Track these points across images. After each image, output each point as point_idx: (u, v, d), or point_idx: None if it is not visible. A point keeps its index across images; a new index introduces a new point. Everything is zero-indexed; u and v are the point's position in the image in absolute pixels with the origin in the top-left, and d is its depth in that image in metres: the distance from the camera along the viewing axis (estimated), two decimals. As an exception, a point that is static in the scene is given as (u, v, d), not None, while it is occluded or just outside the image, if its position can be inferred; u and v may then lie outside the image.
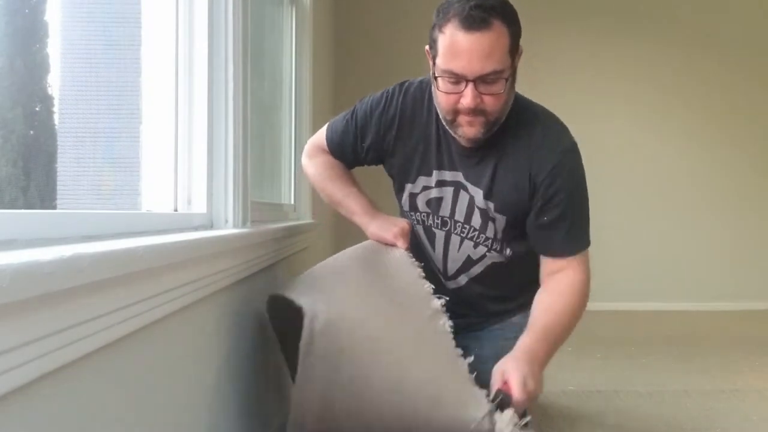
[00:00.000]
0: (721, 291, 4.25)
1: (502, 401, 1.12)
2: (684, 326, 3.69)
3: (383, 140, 1.49)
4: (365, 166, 1.59)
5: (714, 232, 4.30)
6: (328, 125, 1.59)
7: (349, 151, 1.54)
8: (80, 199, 1.22)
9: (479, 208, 1.44)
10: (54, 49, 1.09)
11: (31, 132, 1.03)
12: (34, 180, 1.00)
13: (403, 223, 1.45)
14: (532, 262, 1.46)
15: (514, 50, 1.29)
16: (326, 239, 3.23)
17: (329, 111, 3.72)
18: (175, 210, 1.20)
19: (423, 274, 1.33)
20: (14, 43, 0.97)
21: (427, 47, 1.35)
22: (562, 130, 1.43)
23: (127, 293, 0.71)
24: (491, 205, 1.43)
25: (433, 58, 1.32)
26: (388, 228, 1.43)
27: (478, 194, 1.43)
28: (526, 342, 1.27)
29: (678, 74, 4.30)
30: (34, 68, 1.05)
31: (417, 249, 1.52)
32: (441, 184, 1.47)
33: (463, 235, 1.49)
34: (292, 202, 2.44)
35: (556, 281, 1.40)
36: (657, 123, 4.30)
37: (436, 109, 1.41)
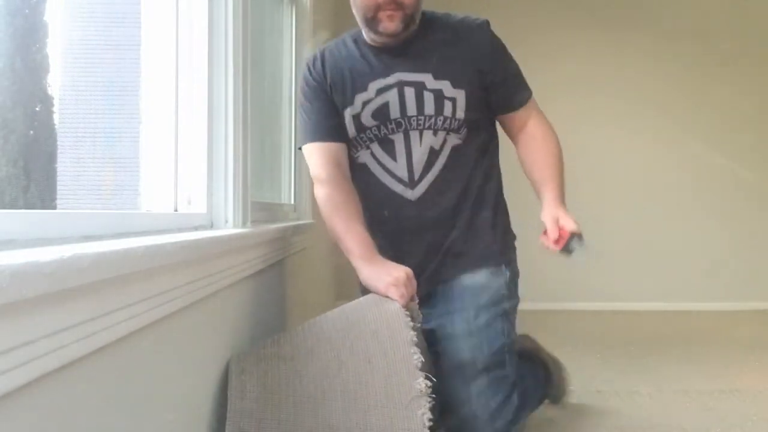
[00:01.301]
0: (721, 291, 4.24)
1: (579, 238, 1.40)
2: (684, 326, 3.69)
3: (329, 91, 1.55)
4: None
5: (714, 233, 4.29)
6: (300, 142, 1.62)
7: (332, 123, 1.54)
8: (80, 199, 1.22)
9: (431, 91, 1.50)
10: (54, 49, 1.09)
11: (31, 132, 1.03)
12: (34, 180, 1.00)
13: (398, 272, 1.33)
14: (482, 140, 1.60)
15: None
16: (326, 239, 3.23)
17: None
18: (175, 210, 1.20)
19: (415, 339, 1.19)
20: (14, 43, 0.97)
21: None
22: (468, 15, 1.58)
23: (127, 293, 0.71)
24: (446, 83, 1.50)
25: None
26: (380, 277, 1.33)
27: (428, 77, 1.50)
28: (550, 194, 1.50)
29: (677, 73, 4.29)
30: (34, 68, 1.05)
31: (374, 174, 1.57)
32: (381, 91, 1.51)
33: (421, 127, 1.52)
34: (292, 202, 2.44)
35: (530, 133, 1.60)
36: (657, 123, 4.29)
37: (354, 37, 1.56)
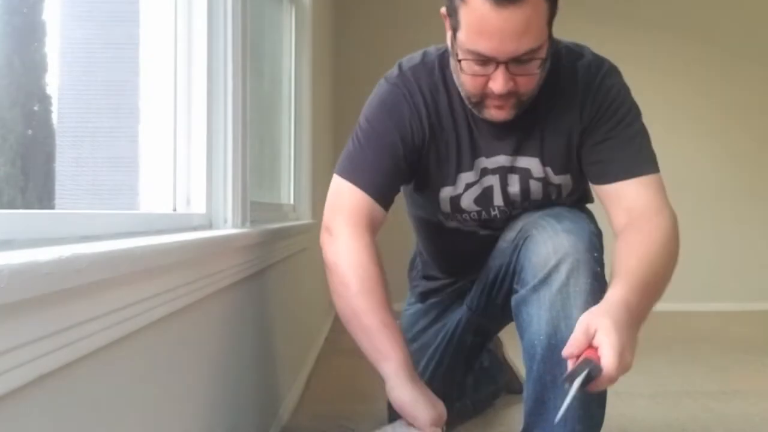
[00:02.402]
0: (721, 291, 4.25)
1: (588, 374, 0.85)
2: (684, 326, 3.69)
3: (413, 145, 1.24)
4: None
5: (714, 233, 4.29)
6: (341, 170, 1.27)
7: (388, 182, 1.24)
8: (79, 199, 1.21)
9: (537, 179, 1.27)
10: (52, 48, 1.08)
11: (30, 131, 1.03)
12: (32, 180, 1.00)
13: (442, 407, 1.11)
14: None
15: (552, 17, 1.08)
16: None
17: (329, 111, 3.72)
18: (174, 210, 1.20)
19: None
20: (12, 42, 0.96)
21: (443, 10, 1.13)
22: (595, 59, 1.24)
23: (126, 293, 0.71)
24: (549, 171, 1.26)
25: (453, 30, 1.10)
26: (424, 408, 1.07)
27: (534, 163, 1.24)
28: (620, 294, 1.00)
29: (678, 75, 4.30)
30: (32, 67, 1.04)
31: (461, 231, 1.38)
32: (484, 173, 1.27)
33: (526, 207, 1.32)
34: (292, 202, 2.44)
35: (641, 224, 1.16)
36: (657, 123, 4.29)
37: (447, 76, 1.22)
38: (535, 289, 1.16)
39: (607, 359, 0.89)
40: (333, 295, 1.22)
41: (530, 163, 1.25)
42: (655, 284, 1.08)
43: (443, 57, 1.26)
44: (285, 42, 2.43)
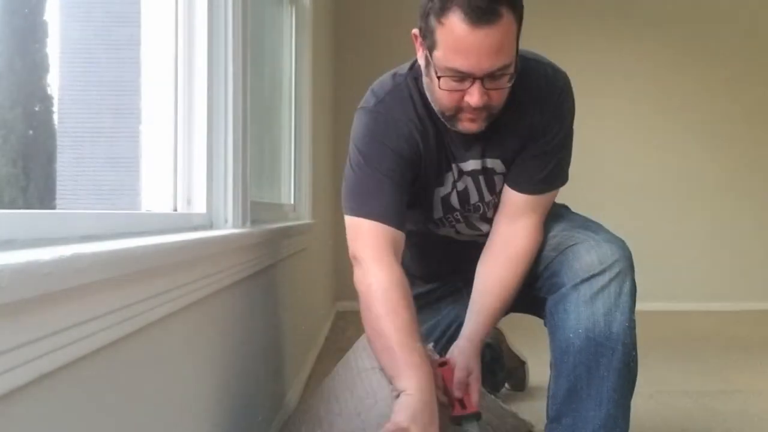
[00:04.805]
0: (721, 291, 4.25)
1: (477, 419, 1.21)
2: (684, 326, 3.69)
3: (410, 160, 1.30)
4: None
5: (714, 232, 4.30)
6: (349, 209, 1.29)
7: (396, 201, 1.28)
8: (79, 199, 1.22)
9: (500, 174, 1.37)
10: (53, 48, 1.08)
11: (31, 132, 1.03)
12: (33, 180, 1.00)
13: None
14: None
15: (519, 34, 1.16)
16: (326, 240, 3.23)
17: (329, 111, 3.72)
18: (175, 210, 1.20)
19: None
20: (13, 42, 0.97)
21: (415, 31, 1.19)
22: (552, 72, 1.32)
23: (127, 293, 0.71)
24: (498, 163, 1.36)
25: (429, 49, 1.16)
26: (418, 429, 1.04)
27: (497, 163, 1.34)
28: (477, 334, 1.32)
29: (677, 74, 4.30)
30: (34, 68, 1.05)
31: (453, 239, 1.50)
32: (461, 175, 1.37)
33: (494, 204, 1.42)
34: (292, 202, 2.44)
35: (508, 240, 1.34)
36: (656, 123, 4.29)
37: (416, 91, 1.29)
38: (576, 288, 1.25)
39: (475, 404, 1.23)
40: (362, 318, 1.24)
41: (494, 164, 1.35)
42: (503, 311, 1.38)
43: (411, 76, 1.33)
44: (285, 42, 2.43)
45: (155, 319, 0.80)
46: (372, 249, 1.25)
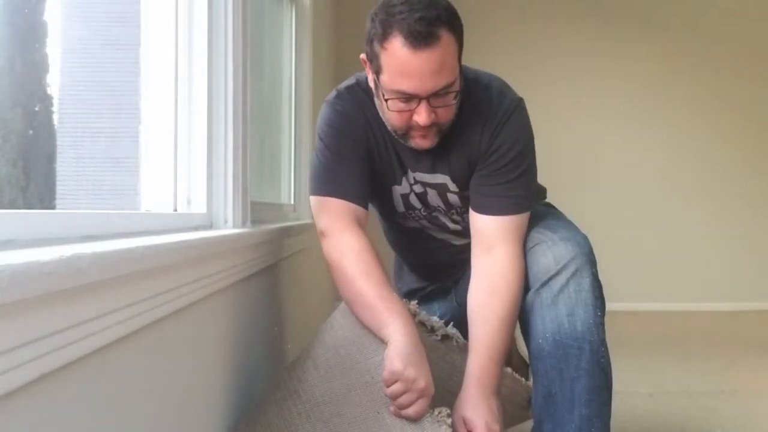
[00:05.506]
0: (721, 291, 4.25)
1: None
2: (684, 326, 3.69)
3: (367, 148, 1.36)
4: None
5: (714, 232, 4.30)
6: (315, 190, 1.37)
7: (358, 182, 1.33)
8: (79, 199, 1.22)
9: (453, 192, 1.39)
10: (53, 48, 1.08)
11: (31, 132, 1.03)
12: (33, 180, 1.00)
13: (425, 383, 1.13)
14: None
15: (461, 53, 1.22)
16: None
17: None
18: (175, 210, 1.20)
19: None
20: (13, 42, 0.97)
21: (363, 56, 1.26)
22: (501, 92, 1.34)
23: (127, 293, 0.71)
24: (458, 186, 1.38)
25: (375, 73, 1.22)
26: (411, 368, 1.10)
27: (447, 179, 1.38)
28: (474, 371, 1.24)
29: (676, 74, 4.30)
30: (34, 68, 1.05)
31: (430, 235, 1.51)
32: (416, 180, 1.40)
33: (452, 213, 1.45)
34: (292, 202, 2.44)
35: (488, 271, 1.30)
36: (656, 123, 4.30)
37: (369, 100, 1.34)
38: (538, 292, 1.27)
39: None
40: (337, 286, 1.29)
41: (445, 180, 1.38)
42: (505, 344, 1.30)
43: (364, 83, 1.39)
44: (285, 42, 2.43)
45: (155, 319, 0.80)
46: (339, 221, 1.31)
